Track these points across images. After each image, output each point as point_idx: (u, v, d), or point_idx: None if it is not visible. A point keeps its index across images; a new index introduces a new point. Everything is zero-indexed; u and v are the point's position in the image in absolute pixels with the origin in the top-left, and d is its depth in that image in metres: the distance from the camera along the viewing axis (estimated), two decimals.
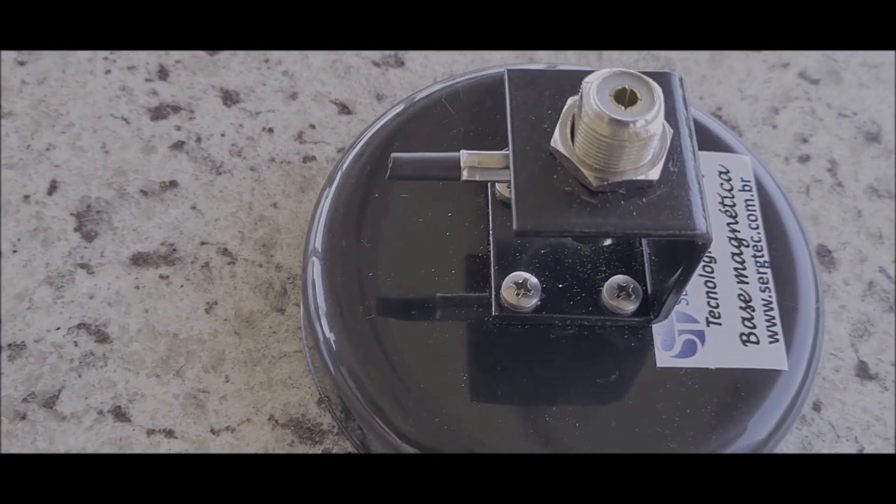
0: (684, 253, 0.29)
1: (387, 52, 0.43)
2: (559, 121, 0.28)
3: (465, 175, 0.28)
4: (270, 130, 0.41)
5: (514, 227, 0.27)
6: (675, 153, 0.28)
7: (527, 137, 0.28)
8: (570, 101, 0.28)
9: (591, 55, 0.44)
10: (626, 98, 0.26)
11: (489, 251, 0.34)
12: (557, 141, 0.28)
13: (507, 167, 0.28)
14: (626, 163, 0.27)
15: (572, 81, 0.29)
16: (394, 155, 0.30)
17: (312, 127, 0.41)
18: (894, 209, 0.40)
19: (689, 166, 0.28)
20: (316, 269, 0.34)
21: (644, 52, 0.44)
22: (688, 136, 0.28)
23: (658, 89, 0.26)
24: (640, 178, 0.27)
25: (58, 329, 0.36)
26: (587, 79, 0.27)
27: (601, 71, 0.27)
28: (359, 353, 0.33)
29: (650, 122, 0.26)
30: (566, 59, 0.44)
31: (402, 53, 0.44)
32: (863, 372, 0.37)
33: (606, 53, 0.44)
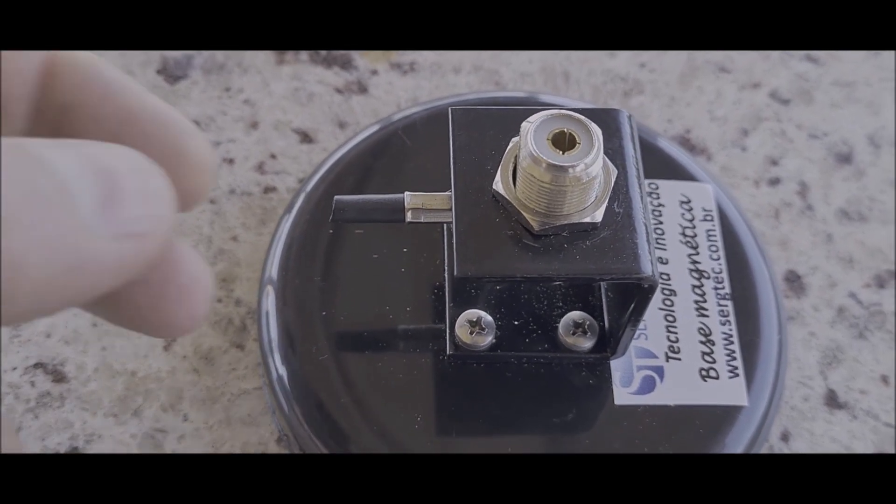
0: (634, 292, 0.28)
1: (350, 79, 0.43)
2: (501, 162, 0.27)
3: (409, 217, 0.28)
4: (231, 161, 0.41)
5: (455, 272, 0.26)
6: (620, 193, 0.27)
7: (469, 179, 0.28)
8: (512, 141, 0.28)
9: (558, 63, 0.44)
10: (564, 141, 0.26)
11: (445, 288, 0.33)
12: (499, 183, 0.27)
13: (451, 208, 0.28)
14: (568, 206, 0.26)
15: (516, 121, 0.28)
16: (337, 198, 0.29)
17: (273, 157, 0.41)
18: (870, 232, 0.40)
19: (636, 206, 0.27)
20: (271, 306, 0.34)
21: (612, 74, 0.44)
22: (634, 176, 0.28)
23: (597, 131, 0.26)
24: (585, 220, 0.26)
25: (14, 369, 0.36)
26: (527, 120, 0.26)
27: (540, 113, 0.26)
28: (311, 393, 0.32)
29: (589, 165, 0.25)
30: (533, 82, 0.43)
31: (364, 80, 0.43)
32: (832, 401, 0.36)
33: (574, 72, 0.44)
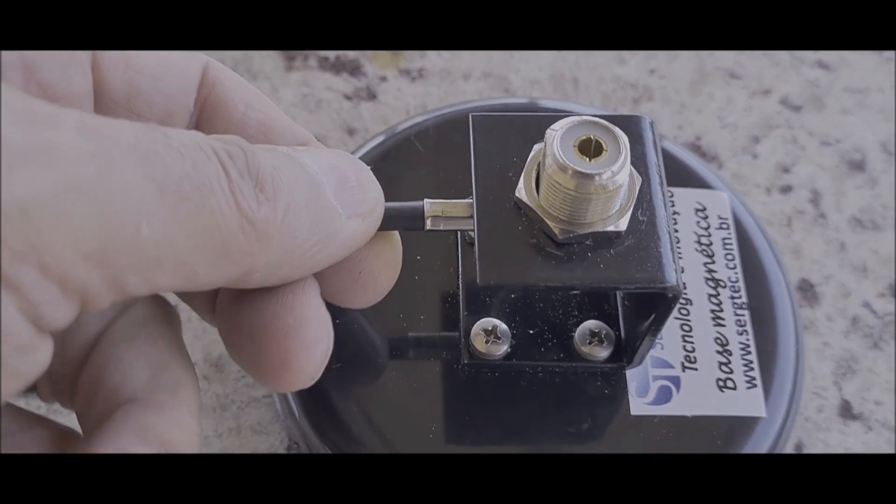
0: (656, 302, 0.28)
1: (359, 85, 0.43)
2: (524, 169, 0.27)
3: (428, 224, 0.27)
4: None
5: (478, 280, 0.26)
6: (644, 201, 0.27)
7: (491, 186, 0.27)
8: (535, 148, 0.28)
9: (567, 70, 0.43)
10: (591, 148, 0.25)
11: (459, 295, 0.33)
12: (522, 191, 0.27)
13: (472, 216, 0.27)
14: (592, 214, 0.26)
15: (539, 127, 0.28)
16: None
17: None
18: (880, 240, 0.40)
19: (660, 215, 0.27)
20: None
21: (622, 80, 0.43)
22: (658, 184, 0.27)
23: (624, 138, 0.25)
24: (608, 229, 0.26)
25: None
26: (551, 127, 0.26)
27: (566, 119, 0.26)
28: (323, 401, 0.32)
29: (616, 173, 0.25)
30: (542, 89, 0.43)
31: (373, 86, 0.43)
32: (846, 412, 0.36)
33: (583, 79, 0.43)
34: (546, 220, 0.26)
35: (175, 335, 0.26)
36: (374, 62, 0.43)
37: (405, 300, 0.33)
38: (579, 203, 0.25)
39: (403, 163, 0.36)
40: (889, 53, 0.45)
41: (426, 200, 0.28)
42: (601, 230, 0.26)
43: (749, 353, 0.33)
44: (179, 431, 0.23)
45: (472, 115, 0.28)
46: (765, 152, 0.42)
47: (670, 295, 0.27)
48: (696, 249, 0.35)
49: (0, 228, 0.16)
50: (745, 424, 0.32)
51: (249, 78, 0.42)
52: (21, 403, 0.25)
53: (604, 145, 0.25)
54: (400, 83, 0.43)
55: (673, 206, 0.35)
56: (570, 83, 0.43)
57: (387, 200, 0.26)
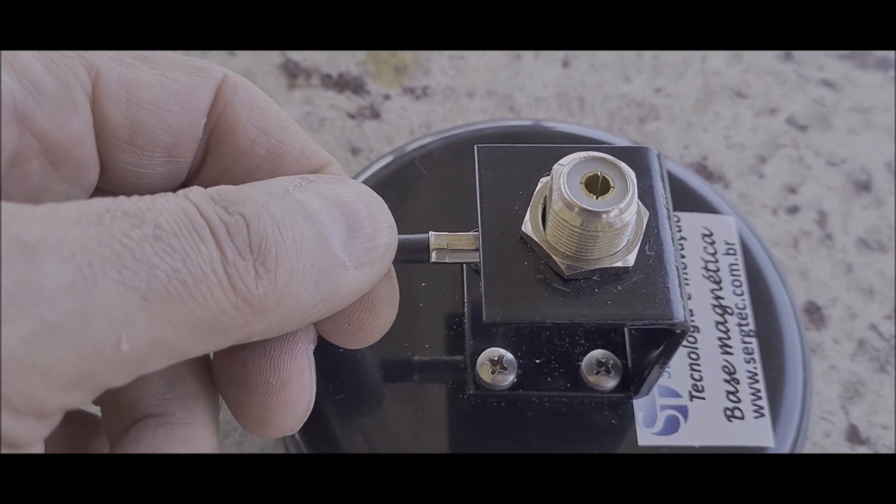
0: (664, 336, 0.28)
1: (362, 103, 0.42)
2: (530, 203, 0.27)
3: (433, 257, 0.27)
4: None
5: (484, 318, 0.26)
6: (651, 235, 0.27)
7: (497, 220, 0.27)
8: (541, 181, 0.27)
9: (572, 88, 0.43)
10: (598, 185, 0.25)
11: (464, 322, 0.33)
12: (528, 225, 0.26)
13: (477, 249, 0.27)
14: (599, 250, 0.25)
15: (544, 158, 0.28)
16: None
17: None
18: (890, 261, 0.39)
19: (667, 249, 0.26)
20: None
21: (627, 99, 0.43)
22: (665, 217, 0.27)
23: (631, 175, 0.25)
24: (616, 264, 0.26)
25: None
26: (559, 162, 0.25)
27: (572, 155, 0.25)
28: (327, 431, 0.31)
29: (623, 210, 0.25)
30: (547, 107, 0.43)
31: (377, 104, 0.42)
32: (853, 436, 0.36)
33: (588, 97, 0.43)
34: (552, 255, 0.26)
35: None
36: (378, 80, 0.43)
37: (411, 329, 0.33)
38: (586, 240, 0.25)
39: (407, 186, 0.36)
40: (892, 72, 0.44)
41: (431, 233, 0.27)
42: (608, 266, 0.26)
43: (757, 381, 0.32)
44: (185, 448, 0.23)
45: (478, 147, 0.28)
46: (771, 172, 0.41)
47: (678, 331, 0.26)
48: (704, 276, 0.34)
49: None
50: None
51: None
52: None
53: (611, 182, 0.25)
54: (404, 101, 0.43)
55: (679, 231, 0.35)
56: (576, 101, 0.43)
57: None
